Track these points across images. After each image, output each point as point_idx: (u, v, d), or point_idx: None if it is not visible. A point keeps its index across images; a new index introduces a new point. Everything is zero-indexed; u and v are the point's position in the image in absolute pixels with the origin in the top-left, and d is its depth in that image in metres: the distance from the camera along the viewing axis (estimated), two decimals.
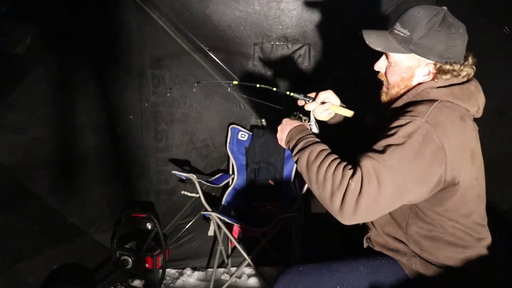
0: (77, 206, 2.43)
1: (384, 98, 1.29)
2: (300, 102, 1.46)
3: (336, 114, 1.47)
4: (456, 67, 1.16)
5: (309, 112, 1.44)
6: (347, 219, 1.05)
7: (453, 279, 1.19)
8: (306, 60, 2.51)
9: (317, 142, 1.21)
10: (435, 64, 1.17)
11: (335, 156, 1.14)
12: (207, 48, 2.48)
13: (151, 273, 2.48)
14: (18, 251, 2.04)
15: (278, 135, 1.35)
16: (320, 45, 2.47)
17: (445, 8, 1.17)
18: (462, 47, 1.18)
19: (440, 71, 1.16)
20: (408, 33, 1.15)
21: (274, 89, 1.52)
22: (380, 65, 1.27)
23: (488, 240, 1.24)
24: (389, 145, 1.06)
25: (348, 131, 1.50)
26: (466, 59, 1.19)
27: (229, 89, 2.22)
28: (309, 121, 1.41)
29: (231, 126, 2.61)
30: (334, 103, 1.44)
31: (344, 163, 1.10)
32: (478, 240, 1.21)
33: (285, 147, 1.32)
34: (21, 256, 2.03)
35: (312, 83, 2.55)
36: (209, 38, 2.46)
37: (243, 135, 2.61)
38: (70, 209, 2.40)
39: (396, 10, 2.29)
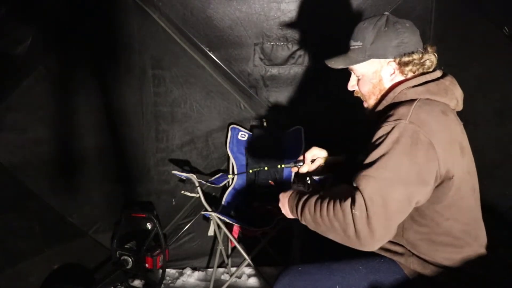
0: (77, 206, 2.44)
1: (367, 112, 1.35)
2: (294, 169, 1.53)
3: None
4: (415, 56, 1.22)
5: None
6: (370, 244, 1.05)
7: (452, 278, 1.19)
8: (306, 61, 2.51)
9: (310, 196, 1.21)
10: (395, 60, 1.23)
11: (328, 197, 1.14)
12: (207, 48, 2.49)
13: (151, 273, 2.48)
14: (19, 251, 2.04)
15: (283, 211, 1.36)
16: (320, 45, 2.47)
17: (386, 13, 1.27)
18: (414, 38, 1.24)
19: (402, 65, 1.23)
20: (361, 43, 1.25)
21: (266, 168, 1.85)
22: (352, 84, 1.36)
23: (484, 238, 1.25)
24: (381, 156, 1.07)
25: (345, 173, 1.51)
26: (425, 49, 1.25)
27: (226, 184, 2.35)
28: (308, 183, 1.45)
29: (231, 126, 2.61)
30: (322, 156, 1.50)
31: (337, 198, 1.10)
32: (475, 239, 1.22)
33: (293, 217, 1.32)
34: (22, 256, 2.03)
35: (312, 83, 2.55)
36: (209, 38, 2.46)
37: (243, 135, 2.62)
38: (70, 209, 2.41)
39: (396, 10, 2.29)
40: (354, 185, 1.07)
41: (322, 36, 2.43)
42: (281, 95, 2.61)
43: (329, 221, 1.08)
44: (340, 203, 1.07)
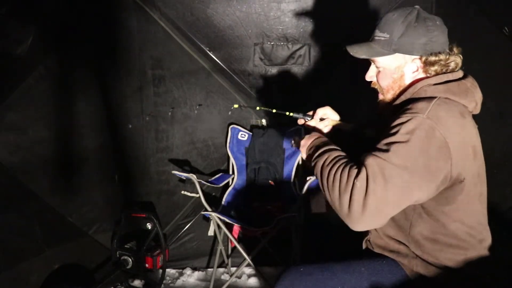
0: (77, 206, 2.43)
1: (382, 104, 1.31)
2: (300, 121, 1.50)
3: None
4: (442, 56, 1.18)
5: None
6: (356, 221, 1.03)
7: (454, 280, 1.19)
8: (306, 60, 2.52)
9: (335, 149, 1.21)
10: (420, 58, 1.20)
11: (346, 159, 1.14)
12: (208, 48, 2.49)
13: (151, 273, 2.48)
14: (19, 251, 2.04)
15: (303, 142, 1.35)
16: (320, 45, 2.47)
17: (417, 6, 1.22)
18: (443, 37, 1.20)
19: (427, 64, 1.20)
20: (388, 36, 1.20)
21: (274, 110, 1.57)
22: (370, 75, 1.31)
23: (489, 240, 1.24)
24: (393, 143, 1.06)
25: (349, 144, 1.50)
26: (451, 49, 1.22)
27: (229, 113, 2.29)
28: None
29: (231, 126, 2.61)
30: (333, 118, 1.46)
31: (350, 164, 1.10)
32: (480, 242, 1.21)
33: (304, 154, 1.32)
34: (22, 256, 2.03)
35: (312, 83, 2.55)
36: (209, 39, 2.46)
37: (243, 135, 2.62)
38: (70, 209, 2.40)
39: None
40: (361, 160, 1.07)
41: (322, 36, 2.43)
42: (281, 95, 2.61)
43: (333, 180, 1.08)
44: (350, 168, 1.07)
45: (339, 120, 1.46)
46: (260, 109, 1.91)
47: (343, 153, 1.18)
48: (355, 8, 2.36)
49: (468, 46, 2.10)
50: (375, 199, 1.01)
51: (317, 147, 1.24)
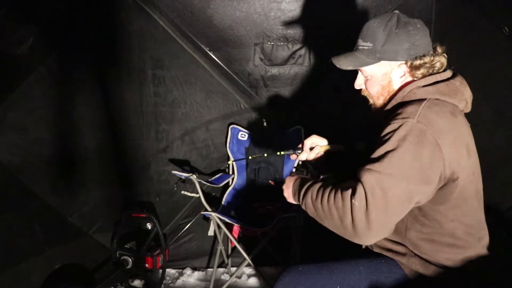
0: (77, 206, 2.44)
1: (374, 110, 1.34)
2: (292, 156, 1.52)
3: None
4: (427, 59, 1.20)
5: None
6: (365, 237, 1.04)
7: (453, 279, 1.19)
8: (306, 61, 2.51)
9: (315, 183, 1.22)
10: (406, 63, 1.21)
11: (331, 186, 1.14)
12: (208, 48, 2.48)
13: (151, 273, 2.48)
14: (19, 251, 2.04)
15: (285, 194, 1.35)
16: (320, 45, 2.47)
17: (397, 11, 1.24)
18: (425, 40, 1.22)
19: (413, 68, 1.21)
20: (371, 44, 1.22)
21: (265, 154, 1.79)
22: (359, 83, 1.34)
23: (487, 239, 1.25)
24: (386, 153, 1.07)
25: (344, 164, 1.51)
26: (435, 49, 1.23)
27: (229, 163, 2.43)
28: (307, 171, 1.45)
29: (231, 126, 2.61)
30: (322, 144, 1.48)
31: (339, 187, 1.10)
32: (479, 240, 1.21)
33: (295, 202, 1.32)
34: (22, 255, 2.03)
35: (312, 83, 2.55)
36: (209, 38, 2.46)
37: (243, 135, 2.62)
38: (70, 209, 2.41)
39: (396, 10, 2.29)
40: (357, 177, 1.07)
41: (322, 36, 2.42)
42: (281, 95, 2.61)
43: (328, 208, 1.09)
44: (342, 192, 1.08)
45: (328, 144, 1.49)
46: (252, 158, 2.13)
47: (321, 183, 1.20)
48: (355, 8, 2.35)
49: (468, 46, 2.12)
50: (378, 213, 1.01)
51: (299, 191, 1.25)
